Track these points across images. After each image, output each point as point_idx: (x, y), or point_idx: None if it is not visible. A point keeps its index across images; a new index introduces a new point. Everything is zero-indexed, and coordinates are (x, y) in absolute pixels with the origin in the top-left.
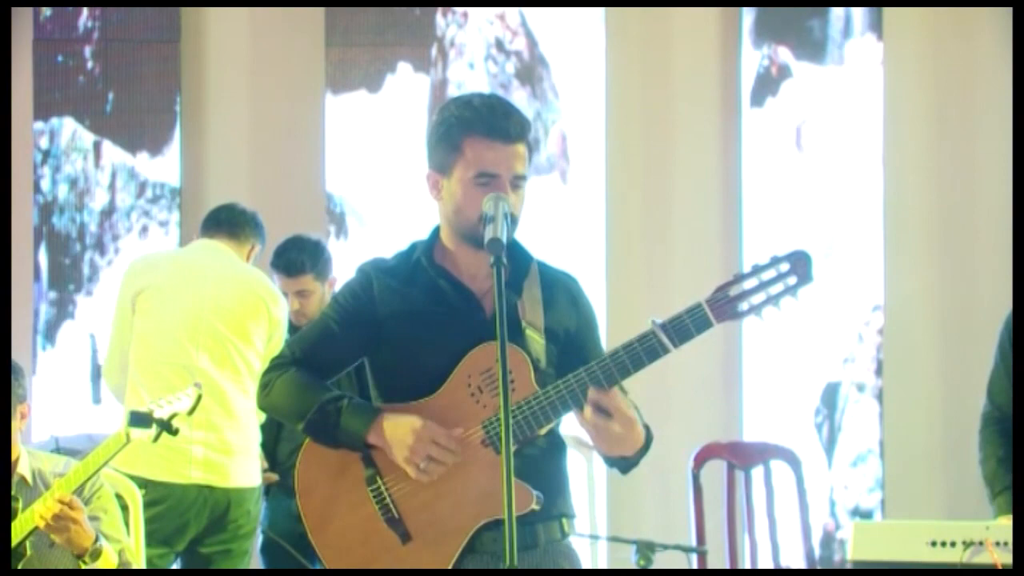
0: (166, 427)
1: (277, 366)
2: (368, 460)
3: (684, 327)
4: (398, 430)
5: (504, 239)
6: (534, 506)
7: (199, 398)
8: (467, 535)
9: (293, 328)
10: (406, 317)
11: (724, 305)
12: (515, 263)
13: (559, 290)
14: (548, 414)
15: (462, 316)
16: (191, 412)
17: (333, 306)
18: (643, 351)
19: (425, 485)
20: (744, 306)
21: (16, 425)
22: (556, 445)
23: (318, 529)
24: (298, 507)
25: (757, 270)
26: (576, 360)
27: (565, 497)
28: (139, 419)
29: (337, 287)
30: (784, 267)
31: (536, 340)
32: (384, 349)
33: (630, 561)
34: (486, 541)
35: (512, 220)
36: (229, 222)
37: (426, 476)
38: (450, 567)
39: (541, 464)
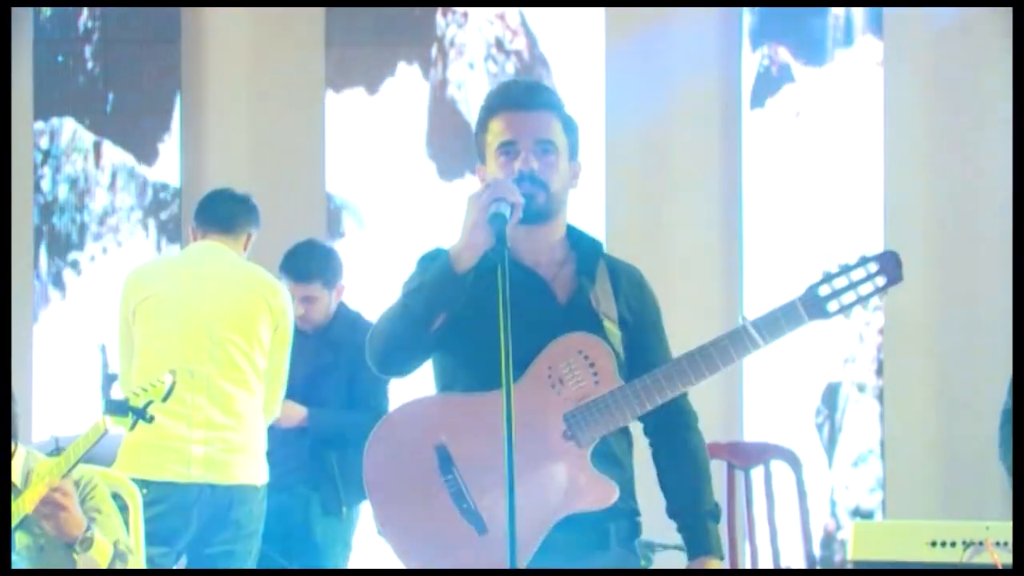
0: (140, 415)
1: (368, 339)
2: (441, 448)
3: (776, 323)
4: (463, 224)
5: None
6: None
7: (173, 385)
8: (547, 528)
9: (297, 331)
10: (479, 304)
11: (815, 303)
12: (585, 251)
13: (624, 278)
14: (635, 409)
15: (535, 304)
16: (165, 399)
17: (405, 293)
18: (731, 345)
19: (501, 478)
20: (833, 306)
21: None
22: (627, 439)
23: (389, 518)
24: (367, 494)
25: (846, 269)
26: (640, 351)
27: (633, 496)
28: (115, 407)
29: (345, 295)
30: (873, 267)
31: (613, 331)
32: (456, 338)
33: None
34: (558, 541)
35: (540, 185)
36: (223, 217)
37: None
38: (527, 564)
39: (615, 462)
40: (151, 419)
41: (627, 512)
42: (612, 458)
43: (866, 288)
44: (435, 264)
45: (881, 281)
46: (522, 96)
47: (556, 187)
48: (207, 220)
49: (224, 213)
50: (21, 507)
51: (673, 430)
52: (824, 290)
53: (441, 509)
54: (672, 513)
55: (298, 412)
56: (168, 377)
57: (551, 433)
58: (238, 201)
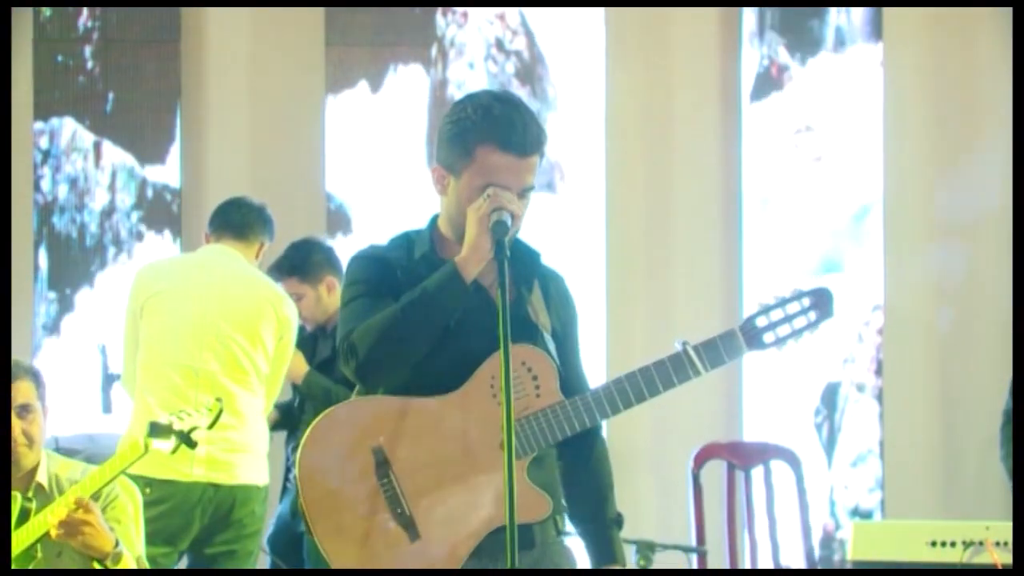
0: (185, 440)
1: (345, 345)
2: (378, 451)
3: (716, 351)
4: (467, 237)
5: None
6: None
7: (219, 413)
8: (479, 538)
9: (300, 330)
10: None
11: (754, 334)
12: (523, 260)
13: (553, 288)
14: (575, 425)
15: (476, 312)
16: (211, 426)
17: (362, 298)
18: (673, 371)
19: (438, 484)
20: (769, 337)
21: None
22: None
23: (320, 519)
24: (299, 495)
25: (782, 303)
26: (562, 360)
27: (558, 494)
28: (159, 430)
29: (338, 289)
30: (806, 302)
31: (550, 342)
32: None
33: (630, 561)
34: (488, 543)
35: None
36: (237, 223)
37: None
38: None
39: (540, 464)
40: (195, 445)
41: (550, 514)
42: (538, 461)
43: (800, 322)
44: (439, 274)
45: (813, 316)
46: (522, 140)
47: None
48: (222, 225)
49: (239, 220)
50: (42, 525)
51: (579, 439)
52: (761, 321)
53: (375, 512)
54: (576, 520)
55: (302, 368)
56: (214, 404)
57: (490, 443)
58: (254, 210)
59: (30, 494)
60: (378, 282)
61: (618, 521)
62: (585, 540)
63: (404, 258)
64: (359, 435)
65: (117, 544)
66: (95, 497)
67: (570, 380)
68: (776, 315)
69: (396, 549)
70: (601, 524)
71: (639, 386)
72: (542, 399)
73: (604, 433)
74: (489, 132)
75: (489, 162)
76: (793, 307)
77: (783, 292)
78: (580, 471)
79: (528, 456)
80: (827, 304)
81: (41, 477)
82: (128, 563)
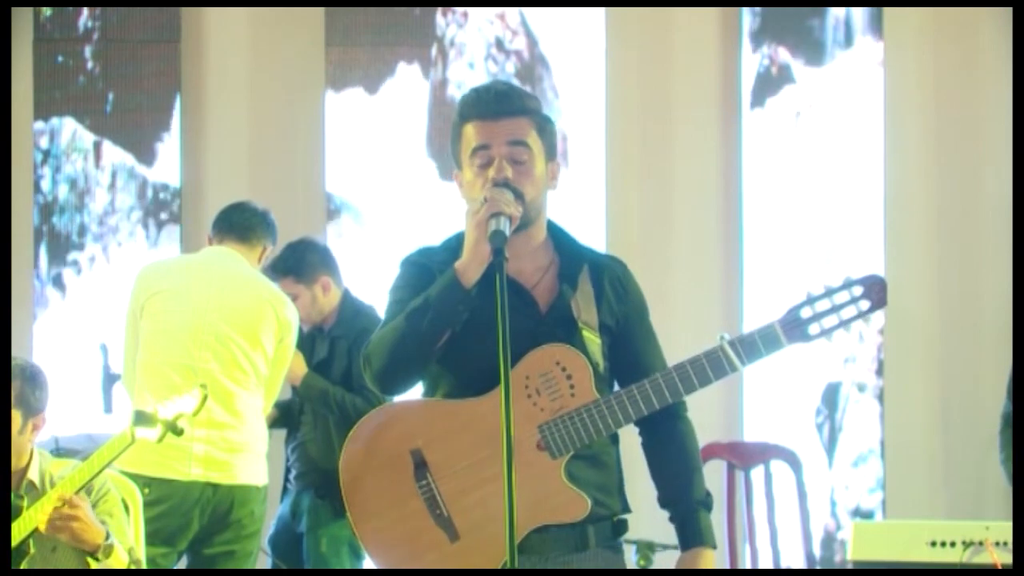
0: (171, 427)
1: (363, 355)
2: (416, 453)
3: (754, 346)
4: (466, 243)
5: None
6: (587, 512)
7: (204, 399)
8: (518, 538)
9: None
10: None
11: (796, 326)
12: (569, 255)
13: (607, 278)
14: (609, 424)
15: (516, 313)
16: (196, 413)
17: (394, 305)
18: (710, 367)
19: (476, 485)
20: (815, 329)
21: (27, 436)
22: (611, 441)
23: (362, 521)
24: (343, 497)
25: (830, 292)
26: (626, 350)
27: (616, 495)
28: (143, 419)
29: (333, 289)
30: (858, 291)
31: (592, 340)
32: (442, 345)
33: (630, 561)
34: (534, 542)
35: (515, 195)
36: (241, 226)
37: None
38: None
39: (595, 463)
40: (181, 432)
41: (608, 513)
42: (592, 460)
43: (849, 312)
44: (440, 281)
45: (865, 305)
46: (493, 104)
47: (532, 194)
48: (226, 227)
49: (243, 223)
50: (32, 521)
51: (662, 419)
52: (806, 312)
53: (414, 514)
54: (664, 503)
55: (301, 370)
56: (198, 391)
57: (525, 443)
58: (258, 214)
59: (21, 491)
60: (414, 289)
61: (706, 503)
62: (674, 524)
63: (450, 261)
64: (397, 438)
65: (108, 536)
66: (87, 491)
67: (632, 370)
68: (822, 305)
69: (436, 550)
70: (687, 506)
71: (674, 383)
72: (577, 398)
73: None
74: (466, 109)
75: (472, 132)
76: (842, 296)
77: (831, 282)
78: (663, 453)
79: (564, 456)
80: (879, 292)
81: (33, 474)
82: (119, 555)
